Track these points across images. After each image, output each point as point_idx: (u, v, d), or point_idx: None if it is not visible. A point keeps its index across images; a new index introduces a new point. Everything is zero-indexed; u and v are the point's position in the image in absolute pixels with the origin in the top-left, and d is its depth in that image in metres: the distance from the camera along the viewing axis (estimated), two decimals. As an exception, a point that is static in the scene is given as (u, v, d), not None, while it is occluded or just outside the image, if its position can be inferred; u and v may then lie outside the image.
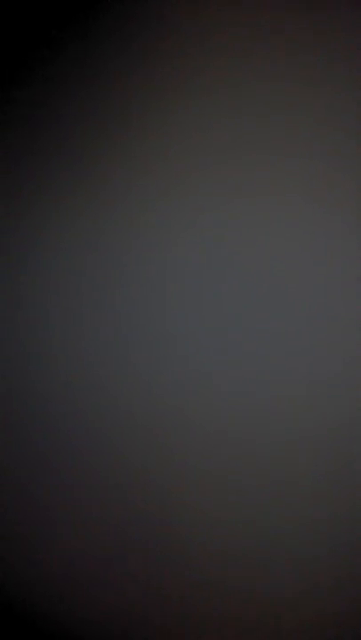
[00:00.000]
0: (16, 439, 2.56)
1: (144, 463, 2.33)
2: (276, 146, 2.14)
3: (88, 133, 2.46)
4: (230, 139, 2.21)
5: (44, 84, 2.55)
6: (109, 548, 2.39)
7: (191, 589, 2.25)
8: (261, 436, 2.15)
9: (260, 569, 2.15)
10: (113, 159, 2.41)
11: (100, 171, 2.43)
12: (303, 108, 2.10)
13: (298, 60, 2.11)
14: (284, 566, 2.12)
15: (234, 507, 2.19)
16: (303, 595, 2.09)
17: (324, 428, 2.07)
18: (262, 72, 2.17)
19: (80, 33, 2.48)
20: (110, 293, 2.40)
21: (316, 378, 2.09)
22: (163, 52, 2.32)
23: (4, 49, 2.64)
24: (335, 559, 2.05)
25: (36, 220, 2.54)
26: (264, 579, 2.15)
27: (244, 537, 2.18)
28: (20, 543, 2.56)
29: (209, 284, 2.24)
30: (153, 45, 2.34)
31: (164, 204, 2.32)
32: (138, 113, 2.37)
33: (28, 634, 2.53)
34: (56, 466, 2.48)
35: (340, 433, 2.05)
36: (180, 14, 2.30)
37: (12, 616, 2.56)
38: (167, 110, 2.32)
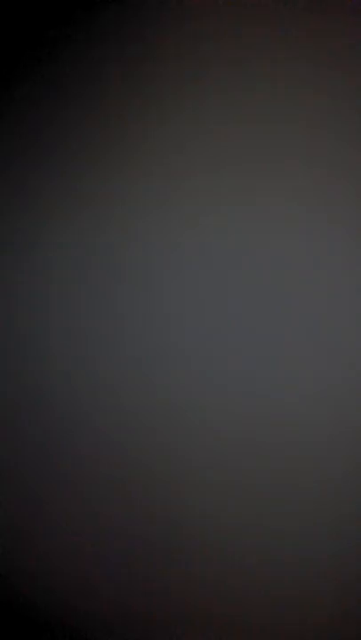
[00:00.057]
0: (17, 435, 2.56)
1: (146, 459, 2.33)
2: (277, 149, 2.14)
3: (88, 134, 2.46)
4: (231, 140, 2.21)
5: (44, 84, 2.55)
6: (110, 545, 2.39)
7: (192, 586, 2.25)
8: (264, 435, 2.15)
9: (261, 568, 2.15)
10: (113, 159, 2.41)
11: (100, 171, 2.43)
12: (303, 111, 2.11)
13: (298, 63, 2.11)
14: (286, 566, 2.12)
15: (236, 505, 2.19)
16: (305, 596, 2.09)
17: (325, 428, 2.07)
18: (263, 75, 2.17)
19: (80, 33, 2.48)
20: (110, 293, 2.41)
21: (316, 378, 2.09)
22: (163, 53, 2.32)
23: (4, 48, 2.64)
24: (337, 560, 2.05)
25: (36, 220, 2.54)
26: (265, 578, 2.15)
27: (246, 536, 2.18)
28: (21, 539, 2.56)
29: (209, 285, 2.24)
30: (153, 46, 2.34)
31: (164, 204, 2.32)
32: (138, 113, 2.37)
33: (29, 628, 2.53)
34: (57, 461, 2.48)
35: (342, 433, 2.05)
36: (181, 14, 2.30)
37: (13, 610, 2.56)
38: (168, 110, 2.32)
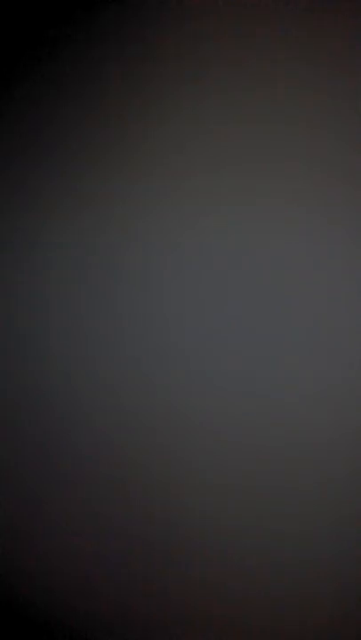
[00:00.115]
0: (17, 435, 2.56)
1: (145, 459, 2.33)
2: (277, 149, 2.14)
3: (88, 133, 2.46)
4: (231, 140, 2.21)
5: (44, 84, 2.55)
6: (110, 545, 2.39)
7: (192, 587, 2.25)
8: (264, 436, 2.15)
9: (261, 569, 2.15)
10: (113, 159, 2.41)
11: (100, 171, 2.43)
12: (303, 112, 2.10)
13: (298, 64, 2.11)
14: (286, 568, 2.12)
15: (235, 506, 2.19)
16: (305, 597, 2.09)
17: (325, 428, 2.07)
18: (263, 75, 2.16)
19: (80, 33, 2.48)
20: (110, 293, 2.40)
21: (316, 378, 2.09)
22: (163, 52, 2.32)
23: (4, 48, 2.63)
24: (337, 561, 2.05)
25: (36, 219, 2.54)
26: (265, 579, 2.15)
27: (245, 536, 2.18)
28: (20, 539, 2.56)
29: (209, 285, 2.24)
30: (153, 46, 2.34)
31: (164, 204, 2.32)
32: (138, 113, 2.37)
33: (29, 628, 2.53)
34: (57, 461, 2.48)
35: (342, 434, 2.05)
36: (181, 14, 2.30)
37: (13, 611, 2.56)
38: (168, 110, 2.32)
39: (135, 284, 2.36)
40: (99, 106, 2.44)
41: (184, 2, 2.29)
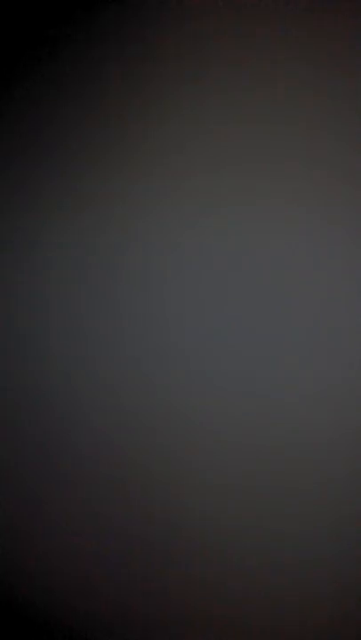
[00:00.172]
0: (17, 435, 2.56)
1: (145, 459, 2.33)
2: (277, 149, 2.14)
3: (88, 133, 2.46)
4: (231, 140, 2.21)
5: (44, 84, 2.55)
6: (110, 545, 2.39)
7: (192, 587, 2.25)
8: (264, 436, 2.15)
9: (261, 570, 2.15)
10: (113, 159, 2.41)
11: (100, 171, 2.43)
12: (303, 112, 2.10)
13: (299, 64, 2.11)
14: (286, 568, 2.12)
15: (235, 506, 2.19)
16: (305, 598, 2.09)
17: (325, 429, 2.07)
18: (263, 75, 2.16)
19: (80, 33, 2.48)
20: (110, 293, 2.40)
21: (316, 378, 2.09)
22: (163, 52, 2.32)
23: (4, 47, 2.63)
24: (337, 562, 2.05)
25: (36, 219, 2.54)
26: (265, 579, 2.15)
27: (245, 537, 2.18)
28: (20, 539, 2.56)
29: (209, 285, 2.24)
30: (153, 46, 2.34)
31: (164, 204, 2.32)
32: (138, 113, 2.37)
33: (28, 628, 2.53)
34: (57, 461, 2.48)
35: (342, 434, 2.05)
36: (181, 14, 2.30)
37: (12, 611, 2.56)
38: (168, 110, 2.32)
39: (135, 283, 2.36)
40: (99, 106, 2.44)
41: (184, 2, 2.29)
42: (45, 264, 2.51)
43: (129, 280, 2.37)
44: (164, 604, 2.29)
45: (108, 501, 2.38)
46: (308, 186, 2.09)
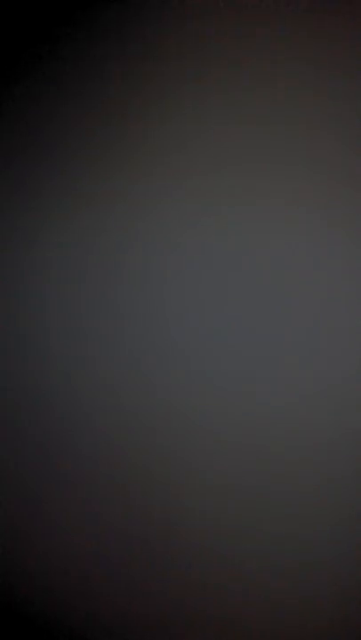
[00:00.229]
0: (17, 435, 2.56)
1: (145, 459, 2.33)
2: (277, 149, 2.14)
3: (88, 132, 2.45)
4: (231, 140, 2.21)
5: (44, 82, 2.55)
6: (110, 545, 2.39)
7: (191, 588, 2.25)
8: (264, 436, 2.15)
9: (261, 571, 2.15)
10: (113, 159, 2.41)
11: (100, 170, 2.43)
12: (304, 112, 2.10)
13: (299, 64, 2.11)
14: (286, 570, 2.12)
15: (235, 507, 2.19)
16: (305, 600, 2.09)
17: (325, 429, 2.07)
18: (263, 76, 2.16)
19: (81, 32, 2.48)
20: (110, 293, 2.40)
21: (316, 378, 2.09)
22: (164, 52, 2.32)
23: (4, 46, 2.63)
24: (337, 564, 2.05)
25: (35, 218, 2.54)
26: (265, 581, 2.15)
27: (245, 538, 2.18)
28: (20, 539, 2.56)
29: (209, 285, 2.24)
30: (154, 46, 2.34)
31: (164, 204, 2.31)
32: (139, 112, 2.36)
33: (28, 628, 2.53)
34: (57, 461, 2.48)
35: (342, 434, 2.05)
36: (182, 14, 2.29)
37: (12, 611, 2.56)
38: (168, 110, 2.31)
39: (135, 283, 2.35)
40: (99, 105, 2.43)
41: (185, 1, 2.28)
42: (45, 264, 2.51)
43: (129, 280, 2.37)
44: (164, 604, 2.29)
45: (108, 501, 2.38)
46: (308, 186, 2.09)
